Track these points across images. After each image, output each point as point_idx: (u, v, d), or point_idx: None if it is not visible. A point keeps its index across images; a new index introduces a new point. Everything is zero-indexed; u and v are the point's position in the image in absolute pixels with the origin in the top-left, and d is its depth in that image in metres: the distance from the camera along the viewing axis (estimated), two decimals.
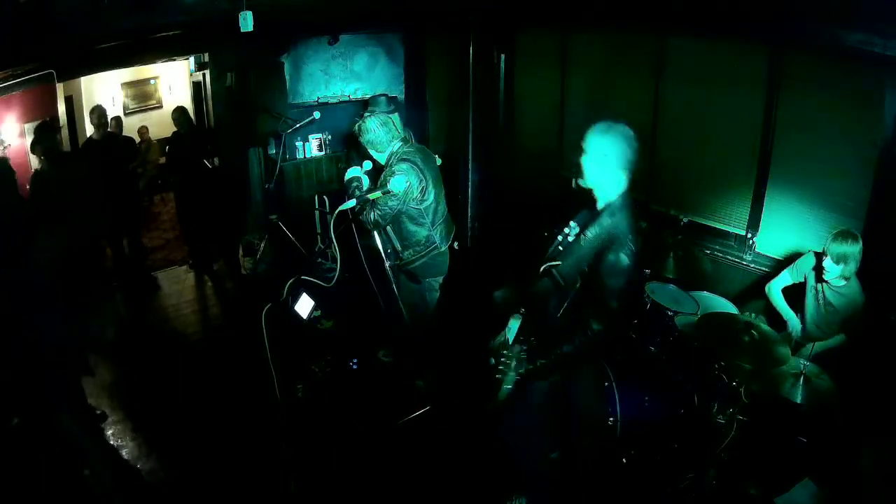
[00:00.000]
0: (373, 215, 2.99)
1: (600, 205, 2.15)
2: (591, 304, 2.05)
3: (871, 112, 2.89)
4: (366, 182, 3.10)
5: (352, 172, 3.13)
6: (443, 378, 3.58)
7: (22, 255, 2.40)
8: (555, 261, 2.17)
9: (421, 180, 3.09)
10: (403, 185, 2.93)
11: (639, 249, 2.05)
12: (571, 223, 2.27)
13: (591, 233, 2.09)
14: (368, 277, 3.07)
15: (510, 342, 2.22)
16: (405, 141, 3.18)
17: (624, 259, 2.00)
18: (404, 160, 3.06)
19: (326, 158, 5.74)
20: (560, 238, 2.27)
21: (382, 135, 3.11)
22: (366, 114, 3.18)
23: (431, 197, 3.15)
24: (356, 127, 3.14)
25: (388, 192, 2.88)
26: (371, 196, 2.80)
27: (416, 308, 3.35)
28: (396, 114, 3.28)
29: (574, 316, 2.12)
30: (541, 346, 2.11)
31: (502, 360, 2.10)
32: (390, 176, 2.99)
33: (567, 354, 2.06)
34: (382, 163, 3.18)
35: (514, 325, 2.24)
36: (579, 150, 2.11)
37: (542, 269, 2.21)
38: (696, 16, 3.47)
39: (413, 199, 3.07)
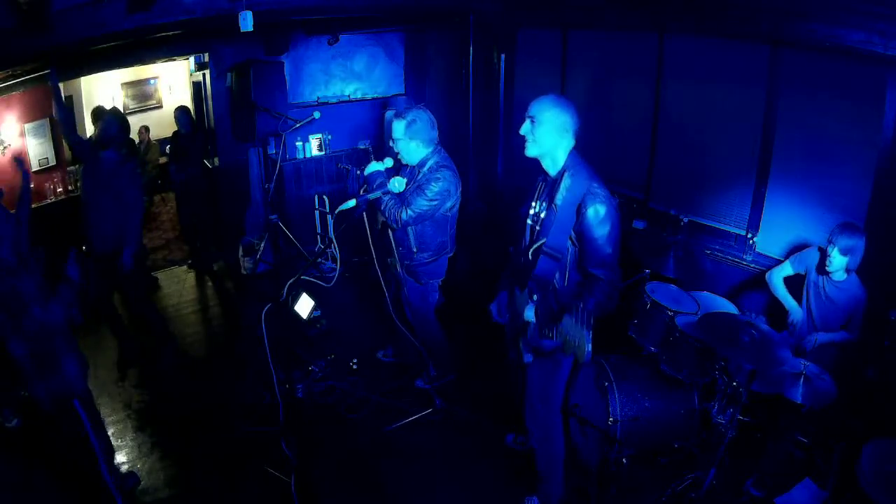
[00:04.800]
0: (404, 214, 2.96)
1: (553, 173, 2.27)
2: (590, 259, 2.15)
3: (871, 112, 2.89)
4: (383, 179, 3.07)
5: (373, 167, 3.03)
6: (444, 378, 3.58)
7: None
8: (538, 241, 2.23)
9: (458, 188, 3.11)
10: (405, 188, 2.93)
11: (608, 192, 2.15)
12: (533, 203, 2.36)
13: (559, 199, 2.17)
14: (378, 274, 3.04)
15: (534, 326, 2.25)
16: (440, 146, 3.14)
17: (601, 207, 2.11)
18: (445, 167, 3.06)
19: (326, 158, 5.75)
20: (531, 222, 2.35)
21: (431, 132, 3.07)
22: (414, 108, 3.09)
23: (458, 207, 3.18)
24: (406, 114, 3.02)
25: (388, 192, 2.88)
26: (371, 196, 2.80)
27: (417, 308, 3.36)
28: None
29: (580, 279, 2.24)
30: (566, 314, 2.10)
31: (555, 330, 2.07)
32: (432, 181, 2.98)
33: (593, 306, 2.10)
34: (409, 160, 3.11)
35: (528, 313, 2.27)
36: (526, 122, 2.23)
37: (530, 253, 2.27)
38: (695, 14, 3.47)
39: (446, 209, 3.08)
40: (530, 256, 2.27)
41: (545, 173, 2.31)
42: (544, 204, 2.28)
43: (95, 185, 3.62)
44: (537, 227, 2.29)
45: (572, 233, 2.17)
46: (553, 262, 2.21)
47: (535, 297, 2.29)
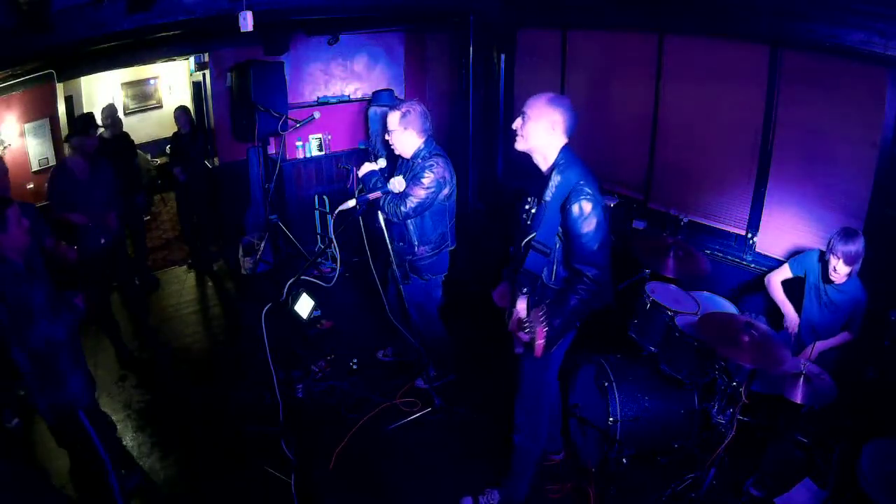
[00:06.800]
0: (404, 206, 2.99)
1: (543, 169, 2.31)
2: (576, 256, 2.20)
3: (871, 112, 2.89)
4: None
5: (367, 168, 3.13)
6: (444, 378, 3.58)
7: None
8: (529, 234, 2.29)
9: (453, 175, 3.15)
10: (416, 186, 2.96)
11: (597, 191, 2.18)
12: (528, 198, 2.43)
13: (548, 195, 2.22)
14: (374, 276, 3.06)
15: (525, 318, 2.33)
16: (431, 138, 3.18)
17: (586, 204, 2.14)
18: (438, 155, 3.11)
19: (326, 158, 5.75)
20: (524, 216, 2.41)
21: (424, 123, 3.11)
22: (406, 101, 3.15)
23: (454, 196, 3.21)
24: (400, 106, 3.08)
25: (388, 192, 2.90)
26: (370, 196, 2.81)
27: (421, 305, 3.36)
28: None
29: (567, 275, 2.29)
30: (550, 310, 2.22)
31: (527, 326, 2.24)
32: (426, 169, 3.03)
33: (577, 305, 2.19)
34: (404, 151, 3.16)
35: (519, 304, 2.33)
36: (518, 117, 2.31)
37: (522, 246, 2.33)
38: (695, 14, 3.48)
39: (444, 196, 3.11)
40: (522, 250, 2.34)
41: (538, 170, 2.36)
42: (536, 199, 2.34)
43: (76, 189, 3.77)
44: (528, 222, 2.36)
45: (559, 229, 2.23)
46: (542, 256, 2.27)
47: (524, 289, 2.34)
